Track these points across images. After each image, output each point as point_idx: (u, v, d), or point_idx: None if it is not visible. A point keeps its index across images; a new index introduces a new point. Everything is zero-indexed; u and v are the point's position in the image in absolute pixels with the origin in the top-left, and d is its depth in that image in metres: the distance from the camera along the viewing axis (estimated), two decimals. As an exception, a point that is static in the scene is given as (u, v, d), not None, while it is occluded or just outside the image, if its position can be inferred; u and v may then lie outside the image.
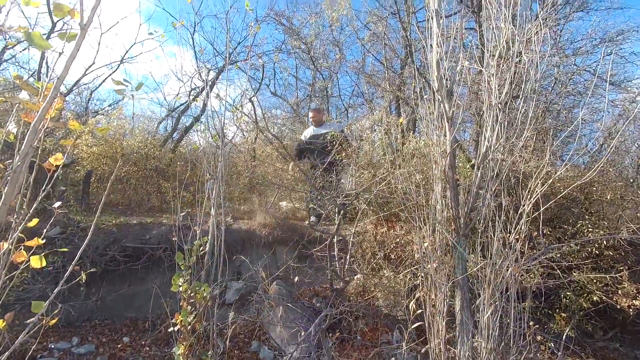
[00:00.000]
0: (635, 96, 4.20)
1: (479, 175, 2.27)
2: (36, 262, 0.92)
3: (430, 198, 2.41)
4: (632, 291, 3.34)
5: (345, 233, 4.11)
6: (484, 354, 1.95)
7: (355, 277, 3.81)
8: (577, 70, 4.44)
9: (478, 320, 2.12)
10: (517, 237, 1.97)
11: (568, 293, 3.47)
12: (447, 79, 2.37)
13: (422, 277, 2.39)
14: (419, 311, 2.31)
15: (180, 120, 8.83)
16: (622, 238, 3.38)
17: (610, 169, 4.16)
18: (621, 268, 3.41)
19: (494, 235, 1.99)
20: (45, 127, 0.76)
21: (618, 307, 3.39)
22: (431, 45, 2.33)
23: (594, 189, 4.05)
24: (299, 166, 4.35)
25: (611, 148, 2.39)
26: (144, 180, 6.79)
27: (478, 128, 4.23)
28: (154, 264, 4.03)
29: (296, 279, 2.91)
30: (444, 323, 2.18)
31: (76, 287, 3.59)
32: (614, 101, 4.55)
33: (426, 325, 2.27)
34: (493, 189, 2.17)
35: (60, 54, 0.79)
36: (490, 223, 2.13)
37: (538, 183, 2.01)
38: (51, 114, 0.77)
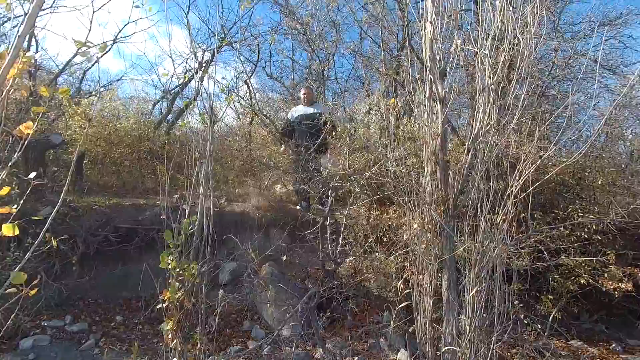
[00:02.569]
0: (633, 82, 4.16)
1: (469, 157, 2.26)
2: (8, 230, 0.91)
3: (421, 181, 2.41)
4: (619, 274, 3.40)
5: (338, 216, 4.13)
6: (468, 332, 1.99)
7: (347, 260, 3.84)
8: (575, 55, 4.38)
9: (464, 300, 2.15)
10: (504, 218, 1.98)
11: (556, 276, 3.53)
12: (440, 59, 2.34)
13: (411, 257, 2.41)
14: (407, 291, 2.34)
15: (175, 102, 8.73)
16: (611, 223, 3.41)
17: (604, 155, 4.17)
18: (609, 252, 3.45)
19: (481, 216, 2.01)
20: (8, 87, 0.73)
21: (604, 289, 3.45)
22: (425, 23, 2.28)
23: (586, 174, 4.07)
24: (290, 147, 4.32)
25: (596, 132, 2.39)
26: (138, 163, 6.75)
27: (472, 112, 4.19)
28: (148, 245, 4.05)
29: (284, 257, 2.94)
30: (430, 302, 2.21)
31: (69, 266, 3.61)
32: (608, 86, 4.52)
33: (414, 304, 2.31)
34: (483, 171, 2.17)
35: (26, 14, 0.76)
36: (479, 205, 2.13)
37: (527, 164, 2.01)
38: (13, 74, 0.74)
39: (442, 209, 2.26)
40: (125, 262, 4.04)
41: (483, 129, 2.13)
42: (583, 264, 3.45)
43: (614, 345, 3.61)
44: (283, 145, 5.04)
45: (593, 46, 4.85)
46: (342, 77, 8.39)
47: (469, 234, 2.21)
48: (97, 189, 5.70)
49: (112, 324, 3.36)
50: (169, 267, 1.93)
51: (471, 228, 2.22)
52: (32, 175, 1.13)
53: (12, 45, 0.66)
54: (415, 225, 2.26)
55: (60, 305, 3.49)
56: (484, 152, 2.17)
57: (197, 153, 2.18)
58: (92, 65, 9.69)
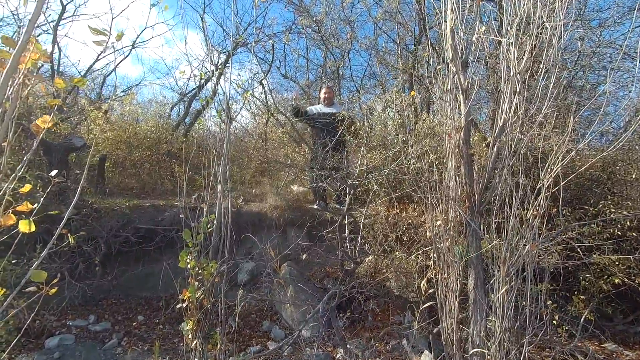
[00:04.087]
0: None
1: (494, 151, 2.16)
2: (24, 226, 0.89)
3: (443, 176, 2.32)
4: (657, 273, 3.20)
5: (357, 215, 4.06)
6: (498, 333, 1.89)
7: (367, 259, 3.77)
8: (603, 42, 4.16)
9: (492, 300, 2.05)
10: (535, 213, 1.88)
11: (587, 275, 3.36)
12: (462, 49, 2.24)
13: (434, 256, 2.33)
14: (431, 290, 2.26)
15: (192, 105, 8.85)
16: (647, 218, 3.22)
17: (637, 147, 3.96)
18: (645, 249, 3.26)
19: (511, 212, 1.90)
20: (20, 75, 0.71)
21: (640, 289, 3.26)
22: (445, 12, 2.19)
23: (618, 168, 3.86)
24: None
25: (636, 124, 2.24)
26: (157, 165, 6.87)
27: (495, 106, 4.06)
28: (167, 245, 4.08)
29: (304, 256, 2.89)
30: (456, 302, 2.12)
31: (92, 266, 3.67)
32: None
33: (438, 304, 2.22)
34: (510, 165, 2.07)
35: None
36: (506, 200, 2.03)
37: (558, 157, 1.90)
38: (26, 63, 0.71)
39: (467, 205, 2.16)
40: (146, 262, 4.08)
41: (510, 120, 2.03)
42: (617, 263, 3.26)
43: (651, 348, 3.40)
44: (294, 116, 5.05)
45: (622, 34, 4.61)
46: (357, 75, 8.29)
47: (495, 231, 2.11)
48: (118, 191, 5.83)
49: (134, 323, 3.40)
50: (188, 266, 1.91)
51: (498, 225, 2.12)
52: (54, 173, 1.12)
53: (24, 31, 0.64)
54: (439, 222, 2.17)
55: (84, 305, 3.55)
56: (511, 145, 2.07)
57: (214, 151, 2.16)
58: (113, 70, 9.95)
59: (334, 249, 3.73)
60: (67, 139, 4.70)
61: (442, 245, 2.18)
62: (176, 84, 9.97)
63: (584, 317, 3.15)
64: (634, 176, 3.63)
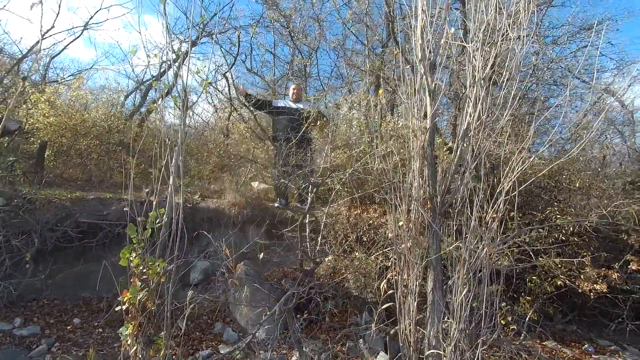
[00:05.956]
0: (607, 87, 4.29)
1: (458, 153, 2.18)
2: None
3: (407, 177, 2.31)
4: (594, 276, 3.43)
5: (318, 214, 3.99)
6: (454, 335, 1.90)
7: (326, 259, 3.71)
8: (555, 58, 4.45)
9: (449, 301, 2.06)
10: (494, 216, 1.90)
11: (534, 277, 3.53)
12: (430, 51, 2.24)
13: (394, 257, 2.30)
14: (390, 292, 2.23)
15: (149, 96, 8.33)
16: (588, 225, 3.45)
17: (581, 158, 4.25)
18: (585, 254, 3.49)
19: (471, 214, 1.92)
20: None
21: (579, 291, 3.48)
22: (416, 12, 2.18)
23: (563, 177, 4.12)
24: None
25: (587, 137, 2.37)
26: (107, 155, 6.36)
27: (457, 111, 4.18)
28: (113, 241, 3.76)
29: (261, 255, 2.76)
30: (415, 303, 2.10)
31: (21, 263, 3.29)
32: (589, 90, 4.63)
33: (397, 305, 2.20)
34: (472, 168, 2.09)
35: None
36: (467, 202, 2.05)
37: (518, 162, 1.94)
38: None
39: (429, 206, 2.16)
40: (87, 260, 3.73)
41: (473, 124, 2.05)
42: (560, 265, 3.47)
43: (586, 345, 3.65)
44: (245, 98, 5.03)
45: (571, 52, 4.95)
46: (325, 74, 8.26)
47: (455, 232, 2.12)
48: (60, 182, 5.32)
49: (69, 327, 3.07)
50: (132, 264, 1.72)
51: (458, 226, 2.13)
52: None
53: None
54: (401, 223, 2.15)
55: (9, 307, 3.15)
56: (475, 148, 2.09)
57: (167, 140, 1.98)
58: (60, 52, 9.16)
59: (293, 249, 3.63)
60: (-2, 120, 4.19)
61: (403, 246, 2.16)
62: (132, 70, 9.35)
63: (528, 316, 3.32)
64: (577, 185, 3.88)
